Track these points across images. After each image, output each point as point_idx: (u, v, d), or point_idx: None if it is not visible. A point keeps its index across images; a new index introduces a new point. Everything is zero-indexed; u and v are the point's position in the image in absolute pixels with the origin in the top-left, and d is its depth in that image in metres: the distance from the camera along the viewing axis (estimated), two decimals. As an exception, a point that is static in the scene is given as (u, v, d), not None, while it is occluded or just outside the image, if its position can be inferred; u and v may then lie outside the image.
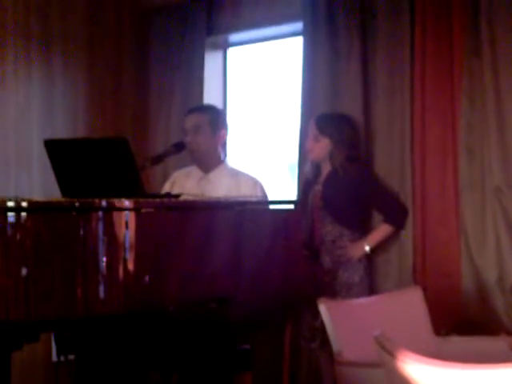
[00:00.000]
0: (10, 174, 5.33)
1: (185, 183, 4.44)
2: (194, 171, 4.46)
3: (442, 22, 4.43)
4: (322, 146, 4.44)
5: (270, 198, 4.49)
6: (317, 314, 3.89)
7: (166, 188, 4.50)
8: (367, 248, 4.38)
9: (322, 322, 3.83)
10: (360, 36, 4.74)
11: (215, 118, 4.41)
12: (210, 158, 4.40)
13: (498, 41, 4.22)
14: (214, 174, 4.39)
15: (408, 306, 3.84)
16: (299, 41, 5.11)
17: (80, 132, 5.55)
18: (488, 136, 4.26)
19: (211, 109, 4.54)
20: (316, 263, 4.33)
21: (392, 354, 2.66)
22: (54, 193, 3.83)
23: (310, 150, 4.52)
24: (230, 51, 5.86)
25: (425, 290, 4.02)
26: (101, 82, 5.76)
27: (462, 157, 4.34)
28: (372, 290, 4.44)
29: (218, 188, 4.29)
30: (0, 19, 5.32)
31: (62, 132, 5.42)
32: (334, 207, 4.39)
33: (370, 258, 4.48)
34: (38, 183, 5.33)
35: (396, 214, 4.43)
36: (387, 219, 4.42)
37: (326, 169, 4.49)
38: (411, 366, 2.57)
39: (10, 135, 5.34)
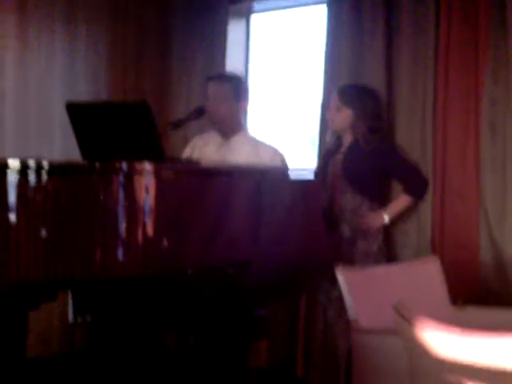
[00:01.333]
0: (30, 136, 5.34)
1: (205, 149, 4.45)
2: (214, 137, 4.46)
3: (467, 4, 4.39)
4: (344, 117, 4.44)
5: (290, 168, 4.48)
6: (334, 282, 3.90)
7: (187, 153, 4.52)
8: (386, 218, 4.39)
9: (339, 290, 3.84)
10: (384, 5, 4.71)
11: (237, 87, 4.40)
12: (231, 125, 4.40)
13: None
14: (235, 141, 4.39)
15: (425, 275, 3.84)
16: (323, 9, 5.08)
17: (102, 96, 5.55)
18: (511, 111, 4.23)
19: (234, 77, 4.53)
20: (335, 232, 4.34)
21: (410, 322, 2.67)
22: (75, 157, 3.84)
23: (331, 120, 4.52)
24: (253, 18, 5.84)
25: (443, 261, 4.02)
26: (123, 47, 5.76)
27: (484, 131, 4.32)
28: (390, 260, 4.45)
29: (238, 155, 4.30)
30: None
31: (83, 95, 5.41)
32: (354, 177, 4.40)
33: (388, 228, 4.48)
34: (59, 147, 5.35)
35: (416, 185, 4.44)
36: (407, 190, 4.42)
37: (348, 139, 4.48)
38: (429, 333, 2.58)
39: (31, 97, 5.35)
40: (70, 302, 3.89)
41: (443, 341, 2.55)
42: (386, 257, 4.43)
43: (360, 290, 3.62)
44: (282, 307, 4.03)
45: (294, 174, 4.10)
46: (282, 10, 5.69)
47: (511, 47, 4.22)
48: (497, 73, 4.28)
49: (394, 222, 4.51)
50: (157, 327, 3.64)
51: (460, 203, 4.42)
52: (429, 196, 4.47)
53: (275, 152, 4.38)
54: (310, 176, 4.48)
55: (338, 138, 4.55)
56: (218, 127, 4.43)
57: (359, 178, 4.39)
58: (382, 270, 3.99)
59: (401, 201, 4.44)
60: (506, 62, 4.25)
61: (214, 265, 3.39)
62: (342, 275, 3.61)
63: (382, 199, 4.49)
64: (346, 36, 4.86)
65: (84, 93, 5.49)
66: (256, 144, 4.39)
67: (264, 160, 4.27)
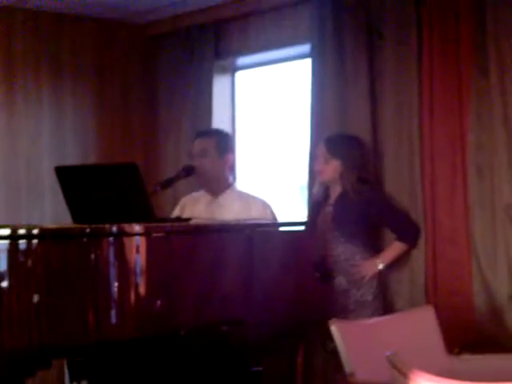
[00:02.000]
0: (21, 202, 5.37)
1: (194, 208, 4.45)
2: (202, 196, 4.47)
3: (449, 42, 4.44)
4: (333, 168, 4.45)
5: (281, 220, 4.49)
6: (330, 335, 3.88)
7: (176, 213, 4.51)
8: (381, 265, 4.39)
9: (334, 344, 3.82)
10: (367, 57, 4.76)
11: (222, 142, 4.42)
12: (218, 182, 4.40)
13: (506, 60, 4.22)
14: (223, 198, 4.39)
15: (420, 325, 3.82)
16: (307, 63, 5.13)
17: (90, 160, 5.59)
18: (497, 154, 4.26)
19: (218, 132, 4.55)
20: (328, 284, 4.34)
21: (405, 375, 2.65)
22: (65, 221, 3.85)
23: (319, 172, 4.53)
24: (238, 74, 5.90)
25: (437, 308, 4.01)
26: (110, 109, 5.81)
27: (471, 175, 4.34)
28: (385, 308, 4.44)
29: (228, 211, 4.29)
30: (10, 48, 5.39)
31: (72, 160, 5.45)
32: (345, 228, 4.40)
33: (381, 277, 4.47)
34: (49, 211, 5.37)
35: (409, 233, 4.45)
36: (400, 237, 4.43)
37: (336, 190, 4.49)
38: (424, 385, 2.57)
39: (21, 164, 5.39)
40: (66, 367, 3.86)
41: (439, 392, 2.54)
42: (382, 305, 4.42)
43: (355, 342, 3.59)
44: (279, 361, 4.00)
45: (284, 226, 4.12)
46: (267, 66, 5.75)
47: (494, 93, 4.25)
48: (481, 118, 4.31)
49: (388, 269, 4.51)
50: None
51: (451, 249, 4.42)
52: (421, 242, 4.48)
53: (264, 205, 4.38)
54: (301, 227, 4.48)
55: (326, 189, 4.57)
56: (206, 185, 4.43)
57: (351, 228, 4.39)
58: (376, 321, 3.97)
59: (394, 248, 4.45)
60: (489, 107, 4.28)
61: (208, 323, 3.38)
62: (336, 328, 3.59)
63: (374, 247, 4.50)
64: (331, 87, 4.90)
65: (72, 156, 5.53)
66: (245, 198, 4.39)
67: (254, 214, 4.27)
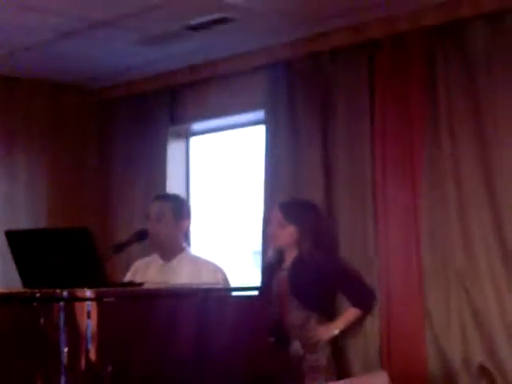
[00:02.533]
0: (-29, 266, 5.28)
1: (146, 272, 4.42)
2: (154, 260, 4.44)
3: (402, 113, 4.53)
4: (288, 233, 4.45)
5: (234, 285, 4.47)
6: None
7: (128, 277, 4.47)
8: (336, 331, 4.38)
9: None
10: (321, 124, 4.82)
11: (178, 207, 4.42)
12: (171, 247, 4.38)
13: (456, 130, 4.30)
14: (175, 262, 4.36)
15: (374, 390, 3.81)
16: (261, 129, 5.17)
17: (42, 224, 5.54)
18: (449, 220, 4.31)
19: (175, 198, 4.56)
20: (284, 349, 4.30)
21: None
22: (15, 285, 3.79)
23: (274, 237, 4.53)
24: (193, 140, 5.92)
25: (391, 373, 4.00)
26: (63, 173, 5.79)
27: (424, 240, 4.38)
28: (340, 372, 4.41)
29: (179, 276, 4.27)
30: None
31: (23, 225, 5.39)
32: (301, 293, 4.39)
33: (336, 341, 4.46)
34: (-1, 275, 5.29)
35: (364, 299, 4.45)
36: (355, 303, 4.43)
37: (291, 254, 4.49)
38: None
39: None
40: None
41: None
42: (337, 370, 4.39)
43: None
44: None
45: (237, 291, 4.09)
46: (221, 132, 5.78)
47: (446, 161, 4.32)
48: (433, 185, 4.38)
49: (343, 334, 4.50)
50: None
51: (405, 314, 4.44)
52: (375, 308, 4.48)
53: (216, 269, 4.36)
54: (254, 292, 4.45)
55: (280, 253, 4.56)
56: (158, 249, 4.41)
57: (306, 293, 4.38)
58: (330, 387, 3.96)
59: (349, 314, 4.45)
60: (441, 173, 4.35)
61: (160, 389, 3.33)
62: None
63: (328, 311, 4.49)
64: (284, 153, 4.96)
65: (24, 221, 5.47)
66: (197, 263, 4.37)
67: (204, 278, 4.25)
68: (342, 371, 4.48)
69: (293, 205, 4.57)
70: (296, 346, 4.37)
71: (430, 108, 4.39)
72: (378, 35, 4.60)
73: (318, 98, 4.85)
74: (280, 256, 4.55)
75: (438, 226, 4.36)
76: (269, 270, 4.62)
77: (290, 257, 4.49)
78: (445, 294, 4.30)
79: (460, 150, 4.29)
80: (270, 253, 4.63)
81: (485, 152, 4.21)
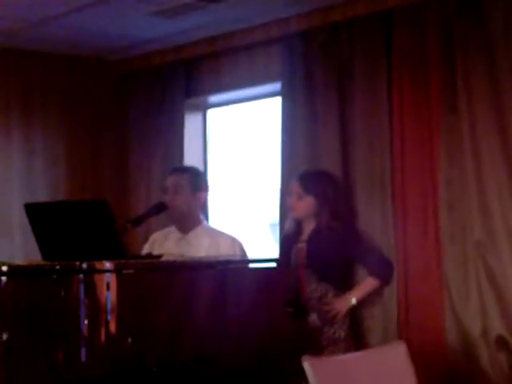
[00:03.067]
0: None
1: (164, 244, 4.42)
2: (172, 232, 4.45)
3: (419, 82, 4.49)
4: (307, 205, 4.44)
5: (251, 257, 4.48)
6: (301, 372, 3.86)
7: (146, 249, 4.49)
8: (353, 301, 4.37)
9: (306, 381, 3.79)
10: (338, 95, 4.80)
11: (196, 179, 4.41)
12: (189, 219, 4.38)
13: (475, 98, 4.27)
14: (193, 235, 4.37)
15: (393, 361, 3.80)
16: (278, 101, 5.16)
17: (60, 197, 5.56)
18: (467, 191, 4.29)
19: (192, 170, 4.55)
20: (301, 321, 4.32)
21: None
22: (35, 257, 3.82)
23: (293, 208, 4.52)
24: (210, 112, 5.91)
25: (409, 344, 4.00)
26: (80, 147, 5.80)
27: (442, 211, 4.37)
28: (358, 345, 4.42)
29: (197, 249, 4.27)
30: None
31: (42, 198, 5.42)
32: (319, 265, 4.39)
33: (354, 313, 4.46)
34: (19, 248, 5.33)
35: (382, 269, 4.45)
36: (373, 273, 4.43)
37: (309, 226, 4.48)
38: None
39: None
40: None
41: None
42: (354, 341, 4.41)
43: (327, 379, 3.57)
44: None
45: (255, 263, 4.10)
46: (238, 104, 5.77)
47: (464, 129, 4.30)
48: (451, 155, 4.35)
49: (360, 306, 4.51)
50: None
51: (423, 285, 4.43)
52: (393, 279, 4.48)
53: (234, 241, 4.37)
54: (272, 264, 4.46)
55: (298, 224, 4.55)
56: (176, 221, 4.41)
57: (324, 266, 4.38)
58: (348, 358, 3.95)
59: (367, 284, 4.44)
60: (459, 144, 4.33)
61: (179, 360, 3.35)
62: (309, 366, 3.57)
63: (347, 284, 4.49)
64: (301, 125, 4.94)
65: (42, 194, 5.49)
66: (214, 235, 4.38)
67: (223, 251, 4.25)
68: (361, 343, 4.49)
69: (311, 176, 4.57)
70: (313, 319, 4.37)
71: (447, 77, 4.36)
72: (394, 4, 4.56)
73: (335, 68, 4.83)
74: (298, 226, 4.55)
75: (456, 197, 4.34)
76: (287, 241, 4.62)
77: (308, 228, 4.49)
78: (463, 265, 4.29)
79: (478, 121, 4.26)
80: (288, 223, 4.63)
81: (504, 121, 4.18)
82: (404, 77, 4.56)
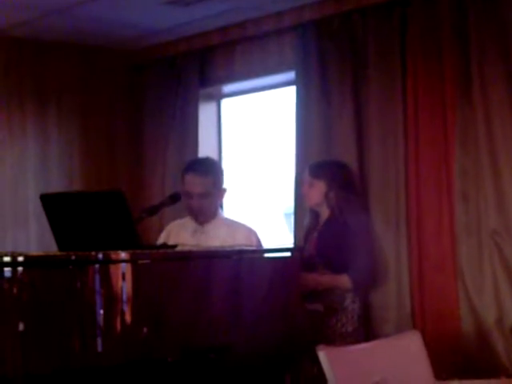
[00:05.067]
0: (7, 230, 5.35)
1: (180, 234, 4.42)
2: (188, 222, 4.44)
3: (434, 71, 4.48)
4: (318, 190, 4.43)
5: (266, 247, 4.48)
6: (314, 360, 3.86)
7: (162, 239, 4.49)
8: (319, 287, 4.30)
9: (319, 369, 3.80)
10: (352, 84, 4.79)
11: (218, 178, 4.35)
12: (208, 213, 4.38)
13: (490, 89, 4.26)
14: (209, 225, 4.36)
15: (407, 350, 3.80)
16: (292, 90, 5.16)
17: (76, 187, 5.58)
18: (482, 180, 4.28)
19: (214, 170, 4.41)
20: (312, 311, 4.31)
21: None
22: (50, 248, 3.84)
23: (306, 197, 4.52)
24: (224, 102, 5.91)
25: (424, 333, 4.00)
26: (95, 136, 5.81)
27: (457, 201, 4.36)
28: (369, 337, 4.40)
29: (213, 239, 4.27)
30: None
31: (57, 188, 5.43)
32: (326, 255, 4.37)
33: (365, 306, 4.45)
34: (34, 239, 5.36)
35: (361, 279, 4.32)
36: (352, 276, 4.29)
37: (325, 215, 4.47)
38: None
39: (6, 193, 5.37)
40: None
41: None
42: (363, 336, 4.36)
43: (342, 368, 3.57)
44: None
45: (270, 252, 4.10)
46: (253, 94, 5.77)
47: (478, 120, 4.28)
48: (466, 145, 4.34)
49: (374, 296, 4.50)
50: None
51: (438, 274, 4.43)
52: (405, 268, 4.48)
53: (250, 231, 4.37)
54: (287, 254, 4.46)
55: (316, 216, 4.55)
56: (197, 218, 4.40)
57: (330, 255, 4.35)
58: (363, 347, 3.95)
59: (341, 280, 4.31)
60: (474, 134, 4.31)
61: (195, 350, 3.36)
62: (323, 354, 3.57)
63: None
64: (315, 114, 4.93)
65: (57, 184, 5.51)
66: (230, 225, 4.38)
67: (239, 240, 4.25)
68: (374, 334, 4.48)
69: (320, 163, 4.57)
70: (317, 309, 4.33)
71: (462, 64, 4.34)
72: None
73: (349, 57, 4.82)
74: (315, 218, 4.54)
75: (471, 187, 4.33)
76: (306, 232, 4.61)
77: (324, 217, 4.48)
78: (478, 255, 4.28)
79: (493, 110, 4.25)
80: (307, 217, 4.61)
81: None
82: (418, 65, 4.54)
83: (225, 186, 4.42)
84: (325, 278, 4.33)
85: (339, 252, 4.33)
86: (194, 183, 4.31)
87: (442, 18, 4.43)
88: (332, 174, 4.42)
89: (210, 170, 4.39)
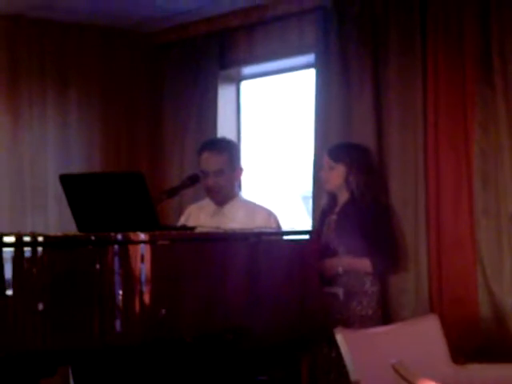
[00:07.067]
0: (26, 211, 5.38)
1: (199, 216, 4.44)
2: (208, 205, 4.45)
3: (454, 53, 4.45)
4: (338, 174, 4.42)
5: (285, 229, 4.48)
6: (332, 344, 3.87)
7: (182, 222, 4.51)
8: (340, 270, 4.32)
9: (337, 353, 3.81)
10: (372, 67, 4.76)
11: (233, 156, 4.37)
12: (226, 194, 4.39)
13: (510, 69, 4.23)
14: (228, 208, 4.37)
15: (425, 334, 3.81)
16: (312, 73, 5.14)
17: (95, 168, 5.59)
18: (502, 163, 4.26)
19: (229, 148, 4.44)
20: (331, 294, 4.31)
21: (412, 383, 2.64)
22: (70, 229, 3.86)
23: (326, 180, 4.50)
24: (244, 84, 5.91)
25: (442, 317, 4.00)
26: (115, 118, 5.82)
27: (476, 184, 4.34)
28: (387, 320, 4.40)
29: (233, 221, 4.27)
30: (15, 57, 5.40)
31: (77, 169, 5.45)
32: (347, 238, 4.36)
33: (384, 289, 4.45)
34: (54, 219, 5.38)
35: (383, 262, 4.34)
36: (372, 260, 4.30)
37: (343, 198, 4.46)
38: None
39: (26, 173, 5.39)
40: (71, 376, 3.85)
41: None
42: (382, 319, 4.37)
43: (360, 351, 3.59)
44: (284, 371, 3.99)
45: (289, 235, 4.11)
46: (272, 76, 5.76)
47: (499, 102, 4.26)
48: (486, 125, 4.32)
49: (391, 281, 4.51)
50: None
51: (456, 258, 4.41)
52: (424, 252, 4.47)
53: (269, 214, 4.37)
54: (305, 236, 4.46)
55: (333, 198, 4.54)
56: (213, 197, 4.42)
57: (352, 238, 4.34)
58: (381, 331, 3.97)
59: (361, 263, 4.32)
60: (494, 114, 4.28)
61: (212, 331, 3.38)
62: (341, 337, 3.58)
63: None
64: (335, 97, 4.91)
65: (77, 165, 5.53)
66: (249, 207, 4.39)
67: (258, 223, 4.25)
68: (392, 318, 4.47)
69: (340, 146, 4.56)
70: (338, 293, 4.34)
71: (483, 45, 4.31)
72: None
73: (369, 40, 4.78)
74: (333, 201, 4.54)
75: (491, 169, 4.31)
76: (321, 215, 4.61)
77: (342, 200, 4.48)
78: (497, 237, 4.26)
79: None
80: (324, 199, 4.61)
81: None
82: (439, 48, 4.51)
83: (242, 165, 4.43)
84: (346, 262, 4.34)
85: (360, 236, 4.32)
86: (209, 161, 4.34)
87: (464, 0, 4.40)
88: (352, 158, 4.42)
89: (225, 147, 4.42)
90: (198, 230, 3.83)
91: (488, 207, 4.30)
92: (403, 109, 4.64)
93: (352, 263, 4.34)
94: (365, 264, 4.32)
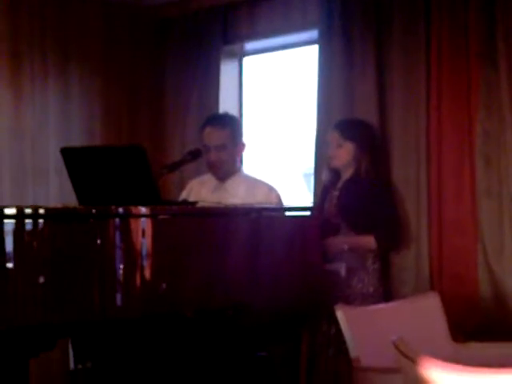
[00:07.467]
0: (27, 183, 5.36)
1: (200, 191, 4.44)
2: (209, 179, 4.46)
3: (458, 33, 4.43)
4: (347, 151, 4.41)
5: (286, 205, 4.47)
6: (332, 320, 3.88)
7: (183, 196, 4.51)
8: (345, 247, 4.32)
9: (337, 329, 3.81)
10: (375, 44, 4.74)
11: (235, 132, 4.39)
12: (227, 169, 4.39)
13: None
14: (230, 183, 4.38)
15: (425, 311, 3.82)
16: (315, 49, 5.12)
17: (96, 142, 5.58)
18: (505, 143, 4.26)
19: (231, 123, 4.45)
20: (332, 270, 4.31)
21: (412, 360, 2.65)
22: (71, 201, 3.85)
23: (334, 157, 4.47)
24: (246, 60, 5.88)
25: (442, 295, 4.00)
26: (117, 92, 5.79)
27: (478, 164, 4.33)
28: (388, 297, 4.41)
29: (234, 196, 4.28)
30: (16, 31, 5.36)
31: (78, 142, 5.44)
32: (349, 214, 4.36)
33: (386, 265, 4.45)
34: (54, 192, 5.37)
35: (387, 238, 4.36)
36: (377, 237, 4.32)
37: (347, 174, 4.45)
38: (432, 371, 2.56)
39: (27, 145, 5.38)
40: (71, 349, 3.86)
41: (446, 379, 2.53)
42: (383, 297, 4.38)
43: (360, 327, 3.60)
44: (284, 347, 4.00)
45: (290, 211, 4.10)
46: (275, 52, 5.74)
47: (502, 82, 4.25)
48: (489, 107, 4.31)
49: (392, 257, 4.50)
50: (157, 371, 3.62)
51: (457, 236, 4.42)
52: (425, 230, 4.47)
53: (270, 189, 4.37)
54: (307, 212, 4.45)
55: (336, 174, 4.53)
56: (215, 172, 4.41)
57: (354, 215, 4.34)
58: (381, 308, 3.98)
59: (366, 240, 4.33)
60: (497, 96, 4.28)
61: (213, 307, 3.38)
62: (341, 313, 3.59)
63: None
64: (338, 73, 4.89)
65: (78, 138, 5.52)
66: (251, 183, 4.38)
67: (259, 198, 4.25)
68: (392, 295, 4.48)
69: (348, 123, 4.54)
70: (340, 269, 4.34)
71: (487, 26, 4.29)
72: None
73: (373, 17, 4.76)
74: (335, 177, 4.53)
75: (493, 150, 4.30)
76: (323, 190, 4.61)
77: (345, 177, 4.46)
78: (498, 217, 4.27)
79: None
80: (325, 175, 4.60)
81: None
82: (443, 30, 4.49)
83: (244, 141, 4.42)
84: (351, 239, 4.34)
85: (363, 213, 4.32)
86: (211, 136, 4.35)
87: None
88: (362, 136, 4.41)
89: (227, 122, 4.43)
90: (199, 205, 3.83)
91: (490, 187, 4.30)
92: (406, 87, 4.62)
93: (357, 240, 4.34)
94: (369, 241, 4.32)
